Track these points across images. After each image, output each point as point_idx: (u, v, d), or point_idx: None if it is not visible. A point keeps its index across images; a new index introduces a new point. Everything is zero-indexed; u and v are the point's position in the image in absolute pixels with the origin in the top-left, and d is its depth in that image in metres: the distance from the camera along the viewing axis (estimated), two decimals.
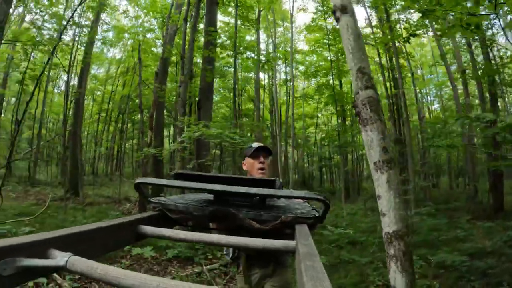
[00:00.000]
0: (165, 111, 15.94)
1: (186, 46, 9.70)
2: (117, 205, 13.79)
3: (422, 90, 19.71)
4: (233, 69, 23.27)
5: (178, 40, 13.70)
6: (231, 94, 24.94)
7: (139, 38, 15.73)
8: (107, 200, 14.86)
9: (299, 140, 26.84)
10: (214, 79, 21.43)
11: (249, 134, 25.33)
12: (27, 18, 17.49)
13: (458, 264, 5.77)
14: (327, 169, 26.27)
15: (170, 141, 22.81)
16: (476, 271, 5.39)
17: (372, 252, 6.98)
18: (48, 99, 18.22)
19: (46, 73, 17.08)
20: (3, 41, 8.16)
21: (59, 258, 0.78)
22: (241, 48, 21.57)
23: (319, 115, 23.76)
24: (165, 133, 25.18)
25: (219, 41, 20.19)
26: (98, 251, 1.03)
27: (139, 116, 16.47)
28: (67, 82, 15.55)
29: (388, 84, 13.25)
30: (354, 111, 2.96)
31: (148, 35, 17.62)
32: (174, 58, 15.31)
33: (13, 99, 24.67)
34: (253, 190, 1.27)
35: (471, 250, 6.60)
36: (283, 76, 24.74)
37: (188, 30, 9.60)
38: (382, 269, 5.83)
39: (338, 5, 3.06)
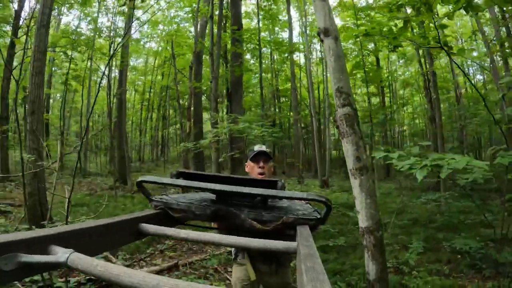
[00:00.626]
0: (203, 97, 16.69)
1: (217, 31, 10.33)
2: (163, 191, 15.07)
3: (463, 63, 18.93)
4: (269, 50, 23.78)
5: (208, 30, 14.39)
6: (268, 75, 25.41)
7: (173, 28, 16.60)
8: (153, 186, 16.14)
9: None
10: (250, 61, 22.12)
11: (287, 113, 25.71)
12: (63, 20, 18.93)
13: (474, 251, 5.83)
14: (369, 146, 26.18)
15: None
16: (490, 259, 5.40)
17: (391, 234, 7.22)
18: (92, 93, 19.83)
19: (87, 71, 18.53)
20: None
21: (60, 254, 0.81)
22: (277, 28, 21.82)
23: (358, 91, 23.60)
24: (207, 115, 26.31)
25: (252, 23, 20.66)
26: (100, 248, 1.08)
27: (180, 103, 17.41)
28: (108, 78, 16.82)
29: (422, 60, 13.07)
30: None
31: (182, 24, 18.48)
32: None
33: (58, 96, 26.89)
34: (255, 190, 1.30)
35: (494, 236, 6.46)
36: (319, 55, 24.74)
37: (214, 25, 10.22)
38: (397, 252, 6.17)
39: (322, 28, 3.55)
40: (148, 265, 6.81)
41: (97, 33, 16.16)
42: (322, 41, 3.60)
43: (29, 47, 14.29)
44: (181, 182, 1.51)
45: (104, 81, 16.59)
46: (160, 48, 23.30)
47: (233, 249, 2.63)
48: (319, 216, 1.38)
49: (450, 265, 5.66)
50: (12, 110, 11.59)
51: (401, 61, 21.31)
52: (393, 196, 12.56)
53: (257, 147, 2.75)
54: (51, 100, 25.54)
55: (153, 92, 26.93)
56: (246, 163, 2.81)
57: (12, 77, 12.64)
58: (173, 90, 23.90)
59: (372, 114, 17.48)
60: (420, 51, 12.99)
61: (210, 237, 1.15)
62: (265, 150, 2.72)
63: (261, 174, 2.63)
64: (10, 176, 13.37)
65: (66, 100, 22.27)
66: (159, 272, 6.46)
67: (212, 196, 1.74)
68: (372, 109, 17.33)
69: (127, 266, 6.07)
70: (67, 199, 5.79)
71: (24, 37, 13.22)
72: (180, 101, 19.57)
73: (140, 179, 1.40)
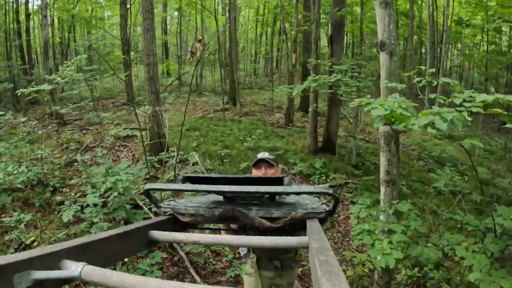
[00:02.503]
0: None
1: None
2: (269, 114, 16.01)
3: None
4: None
5: None
6: None
7: None
8: (261, 108, 17.19)
9: (466, 51, 23.96)
10: None
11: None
12: None
13: None
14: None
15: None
16: None
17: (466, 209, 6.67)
18: (205, 13, 21.02)
19: None
20: None
21: (73, 268, 0.83)
22: None
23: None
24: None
25: None
26: (111, 259, 1.10)
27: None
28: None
29: None
30: None
31: None
32: None
33: (175, 13, 28.79)
34: (262, 188, 1.32)
35: None
36: None
37: None
38: (461, 231, 6.03)
39: (379, 40, 3.82)
40: None
41: None
42: (379, 52, 3.88)
43: None
44: (189, 187, 1.53)
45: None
46: None
47: (241, 250, 2.81)
48: (327, 209, 1.41)
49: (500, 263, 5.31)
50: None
51: None
52: (494, 159, 11.22)
53: (259, 155, 2.88)
54: (168, 18, 27.81)
55: (267, 9, 27.13)
56: (251, 170, 2.95)
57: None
58: (285, 8, 23.71)
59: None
60: None
61: (222, 238, 1.20)
62: (267, 157, 2.82)
63: None
64: (135, 101, 15.56)
65: (181, 23, 24.03)
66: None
67: (220, 198, 1.80)
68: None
69: None
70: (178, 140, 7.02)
71: None
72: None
73: (146, 187, 1.46)
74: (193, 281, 4.95)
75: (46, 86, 8.08)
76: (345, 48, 20.48)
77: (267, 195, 1.72)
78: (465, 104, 2.15)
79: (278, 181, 1.74)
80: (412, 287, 5.29)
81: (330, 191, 1.28)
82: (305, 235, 1.20)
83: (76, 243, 0.95)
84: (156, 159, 8.50)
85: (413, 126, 1.97)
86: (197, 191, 1.56)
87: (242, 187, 1.34)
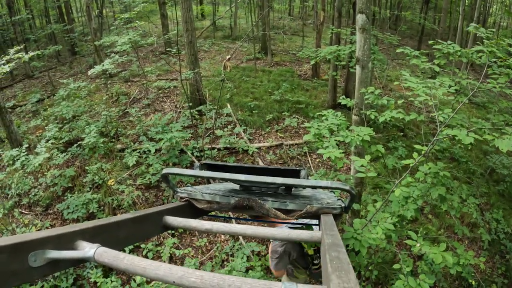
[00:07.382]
0: None
1: None
2: (298, 65, 16.84)
3: None
4: None
5: None
6: None
7: None
8: (291, 57, 17.77)
9: None
10: None
11: None
12: None
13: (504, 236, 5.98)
14: None
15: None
16: None
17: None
18: None
19: None
20: None
21: (87, 249, 0.87)
22: None
23: None
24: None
25: None
26: (125, 242, 1.15)
27: None
28: None
29: None
30: None
31: None
32: None
33: None
34: (279, 180, 1.33)
35: None
36: None
37: None
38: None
39: (356, 56, 5.35)
40: (264, 140, 9.96)
41: None
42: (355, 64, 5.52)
43: None
44: (206, 173, 1.51)
45: None
46: None
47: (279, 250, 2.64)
48: (343, 205, 1.44)
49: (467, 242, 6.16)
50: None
51: None
52: None
53: None
54: None
55: None
56: None
57: None
58: None
59: None
60: None
61: (234, 228, 1.23)
62: None
63: None
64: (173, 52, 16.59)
65: None
66: (268, 148, 9.46)
67: (236, 186, 1.85)
68: None
69: None
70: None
71: None
72: None
73: (164, 171, 1.50)
74: None
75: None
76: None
77: (283, 187, 1.77)
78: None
79: (295, 173, 1.83)
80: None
81: (347, 187, 1.29)
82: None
83: (92, 225, 0.99)
84: (196, 112, 10.24)
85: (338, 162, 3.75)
86: (214, 178, 1.52)
87: (259, 177, 1.36)
